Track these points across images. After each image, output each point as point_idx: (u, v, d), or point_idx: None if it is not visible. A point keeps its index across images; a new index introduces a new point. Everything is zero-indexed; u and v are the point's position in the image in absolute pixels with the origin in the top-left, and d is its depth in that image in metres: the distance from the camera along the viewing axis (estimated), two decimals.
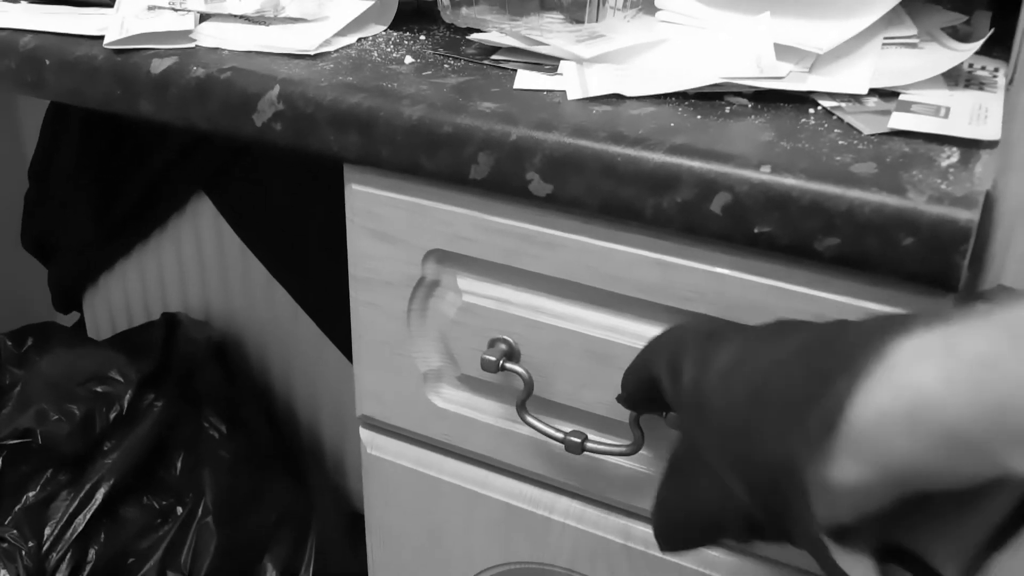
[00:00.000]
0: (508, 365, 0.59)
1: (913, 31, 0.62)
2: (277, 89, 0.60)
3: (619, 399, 0.52)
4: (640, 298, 0.56)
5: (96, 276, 1.42)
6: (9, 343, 1.18)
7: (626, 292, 0.56)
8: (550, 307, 0.59)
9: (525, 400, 0.60)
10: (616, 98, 0.57)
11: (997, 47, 0.61)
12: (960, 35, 0.65)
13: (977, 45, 0.59)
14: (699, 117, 0.55)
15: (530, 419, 0.60)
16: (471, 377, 0.64)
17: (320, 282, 1.20)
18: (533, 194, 0.54)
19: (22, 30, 0.70)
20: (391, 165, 0.58)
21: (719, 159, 0.50)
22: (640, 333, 0.56)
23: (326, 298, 1.20)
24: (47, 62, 0.68)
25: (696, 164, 0.50)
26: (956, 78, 0.59)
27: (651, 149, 0.51)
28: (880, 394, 0.34)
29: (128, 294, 1.41)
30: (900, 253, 0.47)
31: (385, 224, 0.61)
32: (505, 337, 0.60)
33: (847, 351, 0.36)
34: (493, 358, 0.59)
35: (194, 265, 1.33)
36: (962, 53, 0.59)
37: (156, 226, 1.32)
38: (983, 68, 0.62)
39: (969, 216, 0.45)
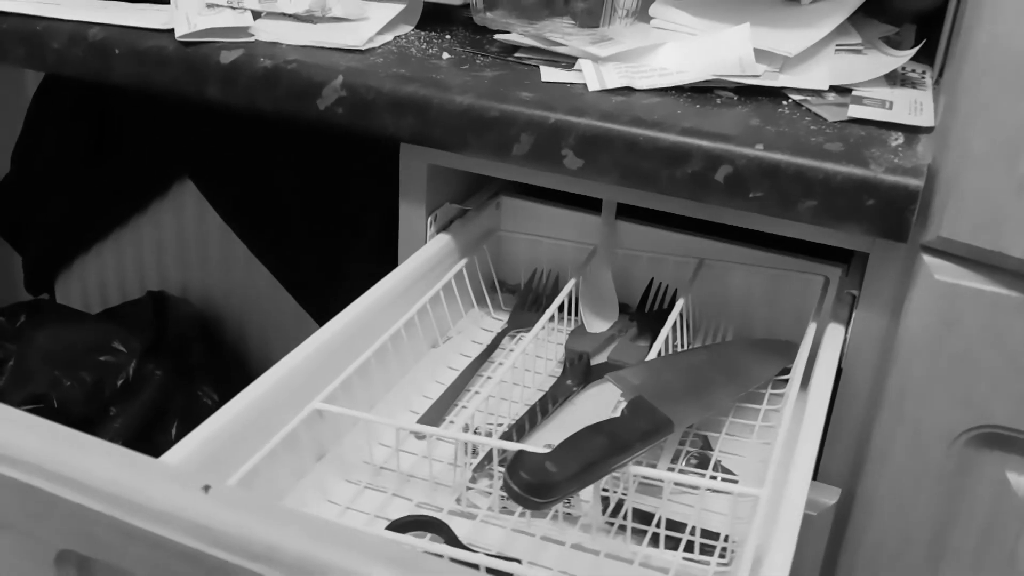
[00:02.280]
0: None
1: (859, 40, 0.76)
2: (341, 78, 0.70)
3: None
4: None
5: (71, 258, 1.48)
6: (2, 318, 1.24)
7: None
8: None
9: None
10: (627, 90, 0.70)
11: (921, 54, 0.76)
12: (892, 43, 0.80)
13: (912, 52, 0.73)
14: (698, 106, 0.68)
15: None
16: None
17: (300, 259, 1.30)
18: (567, 167, 0.66)
19: (89, 22, 0.78)
20: (442, 144, 0.69)
21: (721, 139, 0.63)
22: None
23: (305, 273, 1.30)
24: (116, 51, 0.76)
25: (704, 143, 0.63)
26: (894, 79, 0.74)
27: (666, 131, 0.64)
28: None
29: (104, 276, 1.47)
30: (864, 211, 0.60)
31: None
32: None
33: None
34: None
35: (173, 248, 1.41)
36: (900, 59, 0.73)
37: (136, 210, 1.39)
38: (913, 71, 0.76)
39: (917, 183, 0.59)
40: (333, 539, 0.34)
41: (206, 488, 0.37)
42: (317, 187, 1.24)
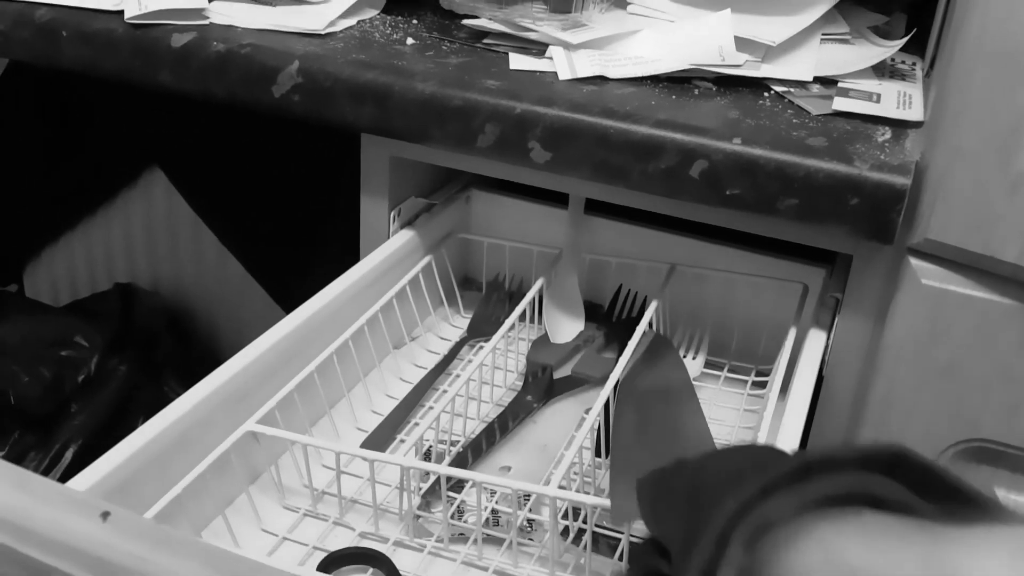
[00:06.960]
0: None
1: (846, 29, 0.72)
2: (296, 64, 0.66)
3: None
4: None
5: (39, 249, 1.44)
6: None
7: None
8: None
9: None
10: (600, 79, 0.66)
11: (912, 44, 0.72)
12: (881, 33, 0.76)
13: (901, 43, 0.69)
14: (674, 97, 0.64)
15: None
16: None
17: (270, 251, 1.26)
18: (534, 160, 0.62)
19: (36, 2, 0.74)
20: (403, 134, 0.65)
21: (697, 132, 0.59)
22: None
23: (277, 266, 1.26)
24: (64, 33, 0.72)
25: (678, 136, 0.59)
26: (882, 70, 0.70)
27: (639, 123, 0.60)
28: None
29: (73, 267, 1.43)
30: (847, 211, 0.57)
31: None
32: None
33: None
34: None
35: (143, 238, 1.37)
36: (888, 49, 0.69)
37: (105, 200, 1.35)
38: (903, 62, 0.73)
39: (904, 181, 0.55)
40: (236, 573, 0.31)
41: (105, 515, 0.34)
42: (287, 176, 1.20)
